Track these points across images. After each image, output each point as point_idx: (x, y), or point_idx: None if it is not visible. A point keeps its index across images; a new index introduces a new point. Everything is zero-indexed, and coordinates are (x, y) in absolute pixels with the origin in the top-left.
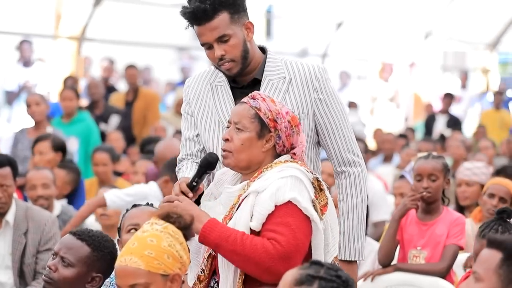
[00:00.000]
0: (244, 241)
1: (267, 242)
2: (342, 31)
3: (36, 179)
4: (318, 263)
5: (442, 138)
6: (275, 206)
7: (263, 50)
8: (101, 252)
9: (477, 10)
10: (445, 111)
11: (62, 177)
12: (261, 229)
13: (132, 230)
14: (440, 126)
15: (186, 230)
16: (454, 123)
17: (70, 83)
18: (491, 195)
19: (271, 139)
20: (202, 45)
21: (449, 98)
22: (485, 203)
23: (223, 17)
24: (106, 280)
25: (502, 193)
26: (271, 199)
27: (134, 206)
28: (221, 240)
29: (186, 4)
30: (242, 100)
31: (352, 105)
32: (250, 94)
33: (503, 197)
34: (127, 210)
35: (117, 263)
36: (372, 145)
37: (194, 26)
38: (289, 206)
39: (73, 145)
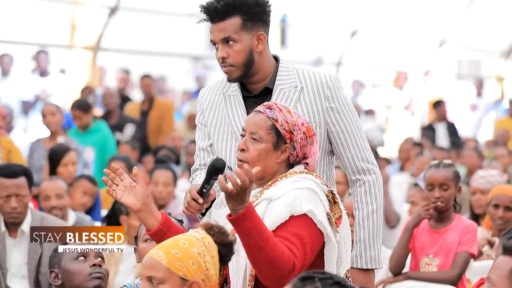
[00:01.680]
0: (276, 243)
1: (291, 254)
2: (357, 40)
3: (49, 189)
4: (310, 277)
5: (456, 145)
6: (290, 216)
7: (275, 59)
8: None
9: (491, 18)
10: (442, 118)
11: (89, 188)
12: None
13: (149, 240)
14: (442, 134)
15: (224, 247)
16: (454, 130)
17: (86, 95)
18: (496, 206)
19: (286, 150)
20: (211, 41)
21: (441, 105)
22: (491, 214)
23: (234, 21)
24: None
25: (507, 202)
26: (286, 208)
27: None
28: (256, 231)
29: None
30: (258, 109)
31: (369, 112)
32: (266, 104)
33: (508, 206)
34: None
35: (147, 254)
36: (389, 152)
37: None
38: (304, 218)
39: (89, 155)
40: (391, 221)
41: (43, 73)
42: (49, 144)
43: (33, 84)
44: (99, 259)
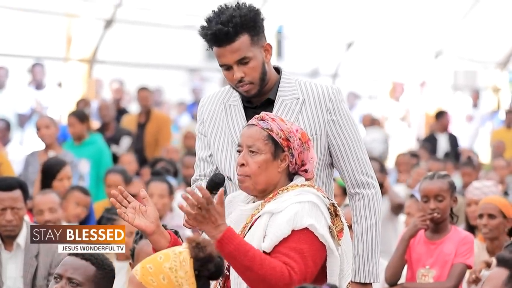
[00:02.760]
0: (263, 260)
1: (284, 267)
2: (353, 51)
3: (42, 203)
4: None
5: (454, 156)
6: (292, 231)
7: (277, 70)
8: (105, 270)
9: (487, 29)
10: (444, 129)
11: (82, 199)
12: (272, 250)
13: None
14: (443, 145)
15: (198, 262)
16: (455, 141)
17: (82, 108)
18: (480, 216)
19: (285, 159)
20: (221, 65)
21: (444, 116)
22: (478, 225)
23: (244, 40)
24: None
25: (489, 210)
26: (288, 223)
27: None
28: (239, 252)
29: (205, 24)
30: (250, 122)
31: (375, 122)
32: (257, 116)
33: (491, 213)
34: (141, 237)
35: None
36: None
37: (214, 47)
38: (305, 232)
39: (84, 168)
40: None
41: (39, 86)
42: (45, 157)
43: (29, 97)
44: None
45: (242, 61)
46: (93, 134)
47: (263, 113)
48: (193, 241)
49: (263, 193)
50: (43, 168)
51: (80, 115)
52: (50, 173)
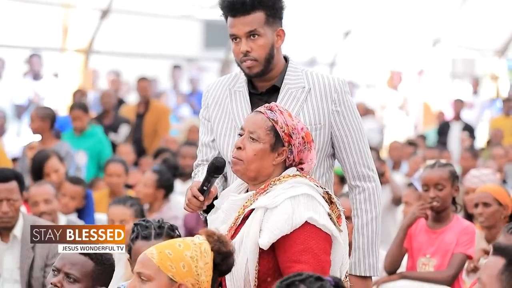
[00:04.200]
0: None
1: None
2: (350, 40)
3: (38, 195)
4: (291, 283)
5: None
6: (293, 230)
7: (285, 59)
8: (104, 265)
9: (485, 17)
10: (458, 117)
11: (78, 191)
12: (282, 258)
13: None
14: (456, 134)
15: (220, 256)
16: (469, 130)
17: (79, 98)
18: (476, 205)
19: (283, 153)
20: (231, 36)
21: (459, 104)
22: (474, 214)
23: (259, 15)
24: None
25: (484, 198)
26: (288, 222)
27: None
28: None
29: None
30: (258, 109)
31: (369, 112)
32: (267, 105)
33: (486, 202)
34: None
35: (143, 252)
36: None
37: (228, 17)
38: (307, 228)
39: (81, 159)
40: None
41: (36, 76)
42: (33, 151)
43: (26, 87)
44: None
45: (252, 34)
46: (93, 126)
47: (273, 104)
48: (214, 235)
49: (253, 181)
50: (31, 164)
51: (84, 108)
52: (37, 168)
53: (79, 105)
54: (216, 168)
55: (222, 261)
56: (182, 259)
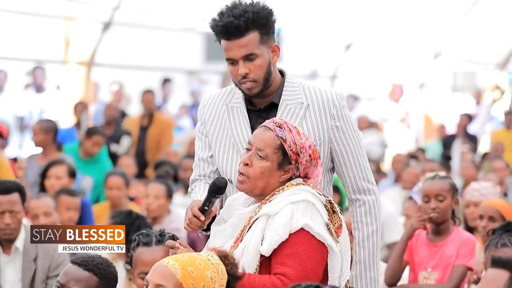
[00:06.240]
0: (253, 283)
1: (275, 279)
2: (351, 53)
3: (37, 208)
4: None
5: (447, 158)
6: (289, 234)
7: (281, 73)
8: (108, 279)
9: (486, 30)
10: (464, 132)
11: (75, 204)
12: (272, 260)
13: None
14: (460, 148)
15: (234, 280)
16: (473, 141)
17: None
18: (481, 217)
19: (289, 171)
20: (227, 59)
21: (466, 118)
22: (478, 226)
23: (253, 36)
24: None
25: (490, 212)
26: (286, 227)
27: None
28: None
29: (217, 17)
30: (267, 125)
31: (372, 125)
32: (276, 121)
33: (492, 215)
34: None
35: (159, 262)
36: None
37: (222, 40)
38: (301, 234)
39: (87, 184)
40: None
41: (39, 89)
42: (43, 160)
43: (28, 100)
44: None
45: (249, 57)
46: (101, 152)
47: (283, 121)
48: (229, 257)
49: (259, 197)
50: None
51: (103, 134)
52: (43, 174)
53: (99, 131)
54: (218, 189)
55: (229, 284)
56: (203, 279)
